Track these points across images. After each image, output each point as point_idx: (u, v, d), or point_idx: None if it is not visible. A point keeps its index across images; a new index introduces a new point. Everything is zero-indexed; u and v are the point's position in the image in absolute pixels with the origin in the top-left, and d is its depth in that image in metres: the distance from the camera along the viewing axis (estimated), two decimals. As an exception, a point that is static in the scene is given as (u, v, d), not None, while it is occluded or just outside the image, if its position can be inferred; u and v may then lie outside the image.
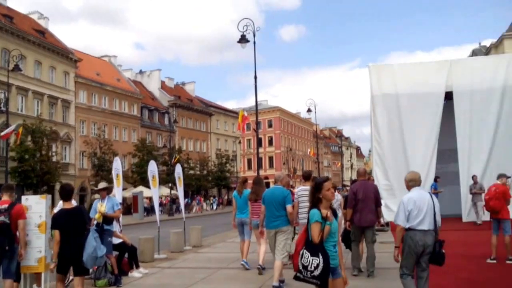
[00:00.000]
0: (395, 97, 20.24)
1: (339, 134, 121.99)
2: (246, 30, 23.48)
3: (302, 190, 9.28)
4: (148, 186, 29.78)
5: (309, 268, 4.71)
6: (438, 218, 6.42)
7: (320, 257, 4.69)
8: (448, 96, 19.97)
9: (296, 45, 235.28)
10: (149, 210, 46.81)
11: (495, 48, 68.60)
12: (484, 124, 19.41)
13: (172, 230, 15.78)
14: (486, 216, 18.72)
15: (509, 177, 11.36)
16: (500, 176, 11.11)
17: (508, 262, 10.27)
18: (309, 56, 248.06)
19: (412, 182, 6.59)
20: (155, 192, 14.82)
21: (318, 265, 4.67)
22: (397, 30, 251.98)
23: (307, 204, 9.42)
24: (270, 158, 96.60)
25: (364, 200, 9.44)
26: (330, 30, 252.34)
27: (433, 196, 6.56)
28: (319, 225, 4.81)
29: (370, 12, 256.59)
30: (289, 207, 8.65)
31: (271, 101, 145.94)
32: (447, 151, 20.91)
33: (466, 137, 19.52)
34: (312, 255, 4.73)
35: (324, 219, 4.81)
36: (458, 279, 9.08)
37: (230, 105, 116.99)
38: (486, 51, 70.67)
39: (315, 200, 5.01)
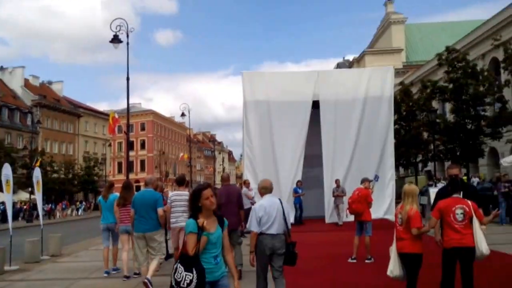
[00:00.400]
0: (266, 104, 20.71)
1: (212, 139, 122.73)
2: (119, 30, 22.62)
3: (175, 195, 9.53)
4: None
5: (181, 285, 4.23)
6: (288, 222, 6.84)
7: (194, 272, 4.24)
8: (315, 105, 20.87)
9: (172, 50, 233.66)
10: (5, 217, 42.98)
11: (357, 62, 73.97)
12: (347, 132, 20.59)
13: (28, 238, 14.51)
14: (348, 217, 19.98)
15: (371, 181, 12.03)
16: (363, 180, 11.73)
17: (367, 261, 10.83)
18: (184, 62, 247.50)
19: (264, 189, 6.97)
20: (8, 197, 13.61)
21: (191, 281, 4.21)
22: (270, 41, 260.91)
23: (180, 209, 9.45)
24: (142, 162, 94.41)
25: (226, 205, 9.45)
26: (206, 37, 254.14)
27: (283, 202, 6.94)
28: (194, 236, 4.38)
29: (245, 22, 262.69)
30: (160, 210, 8.62)
31: (145, 104, 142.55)
32: (313, 156, 21.77)
33: (331, 144, 20.54)
34: (185, 269, 4.26)
35: (201, 229, 4.38)
36: (323, 280, 9.35)
37: (102, 107, 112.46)
38: (349, 64, 75.77)
39: (194, 209, 4.59)
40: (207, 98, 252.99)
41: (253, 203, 16.05)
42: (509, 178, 20.56)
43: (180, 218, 9.46)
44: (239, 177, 57.15)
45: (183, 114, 43.83)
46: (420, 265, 6.40)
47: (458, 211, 6.20)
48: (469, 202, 6.25)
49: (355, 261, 11.02)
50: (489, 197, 19.23)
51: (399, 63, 67.41)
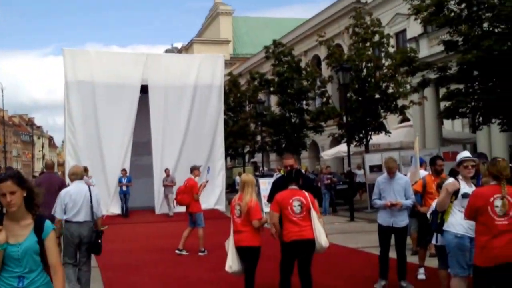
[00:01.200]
0: (91, 86, 19.27)
1: (30, 123, 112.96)
2: None
3: None
4: None
5: None
6: (96, 210, 6.76)
7: None
8: (145, 89, 19.99)
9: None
10: None
11: (185, 50, 73.98)
12: (177, 119, 20.10)
13: None
14: (181, 208, 19.54)
15: (198, 168, 11.63)
16: (193, 169, 11.31)
17: (200, 254, 10.47)
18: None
19: (74, 175, 6.91)
20: None
21: None
22: (94, 22, 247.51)
23: None
24: None
25: (46, 197, 8.30)
26: (23, 13, 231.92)
27: (92, 189, 6.90)
28: None
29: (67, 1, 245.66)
30: None
31: None
32: (142, 144, 20.92)
33: (160, 131, 19.87)
34: None
35: None
36: (151, 275, 8.75)
37: None
38: (178, 52, 75.27)
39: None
40: (25, 78, 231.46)
41: None
42: (331, 171, 22.03)
43: None
44: (61, 164, 53.17)
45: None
46: (258, 257, 6.17)
47: (296, 203, 5.93)
48: (306, 193, 6.05)
49: (184, 253, 10.60)
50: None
51: (226, 55, 68.74)
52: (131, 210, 19.43)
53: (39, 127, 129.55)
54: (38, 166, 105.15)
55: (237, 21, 78.47)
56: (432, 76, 15.64)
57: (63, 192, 6.79)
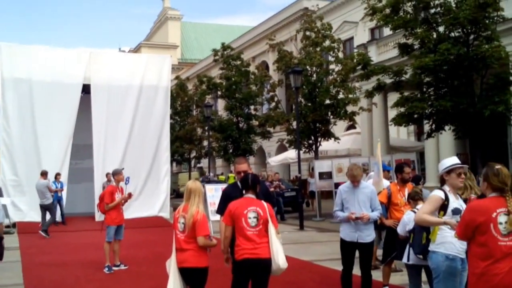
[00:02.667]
0: (28, 83, 18.15)
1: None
2: None
3: None
4: None
5: None
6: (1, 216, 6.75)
7: None
8: (86, 89, 19.03)
9: None
10: None
11: (134, 53, 72.10)
12: (120, 121, 19.21)
13: None
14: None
15: (119, 171, 10.18)
16: (115, 173, 9.81)
17: (115, 268, 9.55)
18: None
19: None
20: None
21: None
22: (35, 23, 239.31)
23: None
24: None
25: None
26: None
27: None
28: None
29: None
30: None
31: None
32: (83, 146, 19.95)
33: (102, 133, 18.93)
34: None
35: None
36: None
37: None
38: (125, 55, 73.60)
39: None
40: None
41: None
42: (279, 177, 21.69)
43: None
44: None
45: None
46: (206, 280, 5.27)
47: (251, 215, 5.06)
48: (265, 204, 5.19)
49: (122, 267, 9.68)
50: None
51: (174, 60, 67.75)
52: (70, 217, 18.33)
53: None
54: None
55: (185, 26, 77.82)
56: (388, 80, 15.50)
57: None
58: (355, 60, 16.82)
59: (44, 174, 15.80)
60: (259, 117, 25.52)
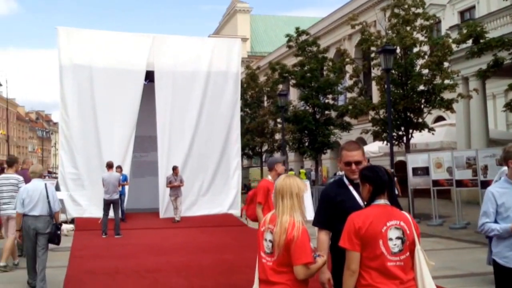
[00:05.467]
0: (88, 70, 16.75)
1: (48, 119, 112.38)
2: None
3: (3, 179, 8.91)
4: None
5: None
6: (53, 205, 7.19)
7: None
8: (149, 76, 17.45)
9: (5, 21, 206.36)
10: None
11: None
12: (187, 111, 17.54)
13: None
14: (189, 212, 17.09)
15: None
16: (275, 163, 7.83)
17: None
18: (18, 35, 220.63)
19: (33, 173, 7.45)
20: None
21: None
22: (102, 21, 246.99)
23: (7, 194, 8.75)
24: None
25: None
26: (45, 9, 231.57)
27: (48, 186, 7.39)
28: None
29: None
30: None
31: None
32: (147, 138, 18.59)
33: (167, 124, 17.34)
34: None
35: None
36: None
37: None
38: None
39: None
40: (45, 76, 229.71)
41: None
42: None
43: (7, 206, 8.71)
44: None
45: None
46: None
47: (393, 234, 3.06)
48: (407, 214, 3.21)
49: None
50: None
51: (244, 53, 66.46)
52: (132, 213, 16.90)
53: (56, 123, 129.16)
54: (53, 162, 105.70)
55: (255, 19, 76.90)
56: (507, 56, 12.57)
57: (21, 188, 7.59)
58: (464, 32, 13.94)
59: (112, 166, 14.12)
60: (340, 106, 23.06)
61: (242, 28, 74.08)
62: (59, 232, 7.31)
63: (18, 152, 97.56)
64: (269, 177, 6.77)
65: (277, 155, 28.82)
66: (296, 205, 3.21)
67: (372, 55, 18.70)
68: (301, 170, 32.86)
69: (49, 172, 52.63)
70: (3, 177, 8.95)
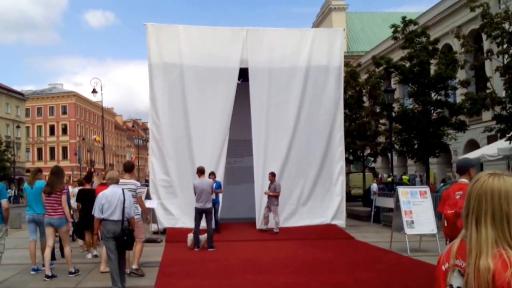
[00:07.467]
0: (179, 69, 15.68)
1: (144, 127, 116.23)
2: None
3: (121, 184, 8.74)
4: None
5: None
6: (128, 210, 7.51)
7: None
8: (243, 74, 16.05)
9: (102, 33, 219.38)
10: None
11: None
12: (284, 110, 15.98)
13: None
14: (289, 223, 15.52)
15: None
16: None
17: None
18: (114, 46, 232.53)
19: (110, 180, 7.86)
20: None
21: None
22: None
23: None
24: (64, 148, 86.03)
25: None
26: (139, 19, 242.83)
27: (126, 192, 7.64)
28: None
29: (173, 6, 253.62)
30: (4, 202, 7.84)
31: (72, 88, 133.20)
32: (241, 142, 17.36)
33: (263, 126, 15.89)
34: None
35: None
36: None
37: (28, 89, 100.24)
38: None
39: None
40: (141, 85, 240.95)
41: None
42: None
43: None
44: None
45: (94, 91, 37.67)
46: None
47: None
48: None
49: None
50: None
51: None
52: (227, 223, 15.55)
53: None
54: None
55: (351, 17, 74.30)
56: None
57: (100, 194, 7.70)
58: None
59: (203, 171, 12.72)
60: (454, 104, 20.34)
61: (338, 26, 71.48)
62: (131, 237, 7.56)
63: (117, 161, 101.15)
64: (464, 180, 5.84)
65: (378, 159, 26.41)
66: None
67: (498, 40, 16.01)
68: (403, 177, 30.16)
69: (146, 181, 52.90)
70: (122, 182, 8.72)
